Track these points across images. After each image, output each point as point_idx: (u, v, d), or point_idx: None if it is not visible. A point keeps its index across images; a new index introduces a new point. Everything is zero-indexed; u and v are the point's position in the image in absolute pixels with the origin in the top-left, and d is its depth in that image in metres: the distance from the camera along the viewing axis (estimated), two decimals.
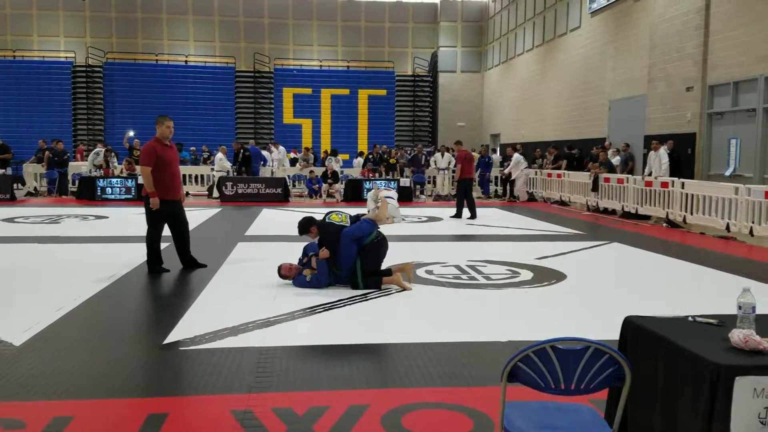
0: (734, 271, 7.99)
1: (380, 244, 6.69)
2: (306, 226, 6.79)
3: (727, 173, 13.39)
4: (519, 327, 5.36)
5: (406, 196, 18.99)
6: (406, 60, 31.49)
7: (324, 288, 6.56)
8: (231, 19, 30.21)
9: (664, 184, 13.40)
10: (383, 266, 6.86)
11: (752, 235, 10.80)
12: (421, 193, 20.24)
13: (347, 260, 6.54)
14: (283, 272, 6.86)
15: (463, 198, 13.98)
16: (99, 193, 18.07)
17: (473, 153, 22.79)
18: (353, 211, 7.69)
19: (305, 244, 7.06)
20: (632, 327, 2.85)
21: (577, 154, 18.60)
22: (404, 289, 6.57)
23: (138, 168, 7.57)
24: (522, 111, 25.76)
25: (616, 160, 16.81)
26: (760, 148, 12.60)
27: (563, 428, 2.46)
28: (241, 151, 19.64)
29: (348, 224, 6.68)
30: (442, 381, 4.10)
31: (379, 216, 6.90)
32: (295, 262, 6.99)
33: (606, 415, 2.85)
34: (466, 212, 13.88)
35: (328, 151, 23.79)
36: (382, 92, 30.07)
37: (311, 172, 19.72)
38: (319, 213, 14.55)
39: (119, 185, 18.37)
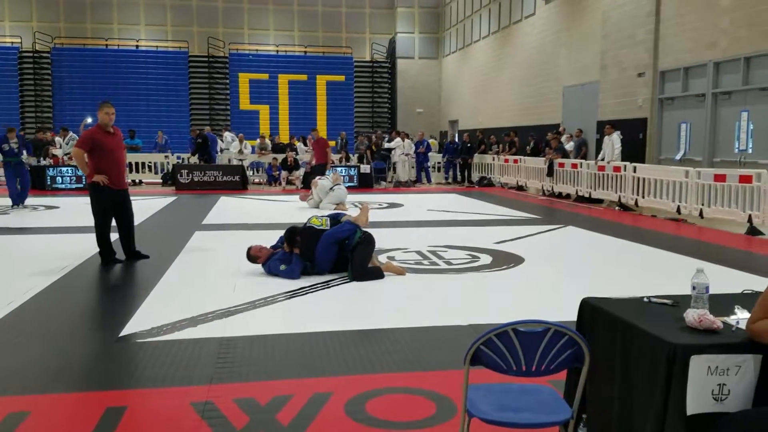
0: (685, 252, 8.23)
1: (368, 242, 6.74)
2: (292, 236, 6.74)
3: (678, 157, 13.74)
4: (480, 311, 5.42)
5: (366, 183, 19.01)
6: (364, 46, 31.29)
7: (294, 279, 6.51)
8: (183, 3, 29.51)
9: (617, 169, 13.69)
10: None
11: (702, 217, 11.13)
12: (382, 179, 20.25)
13: (326, 260, 6.62)
14: (253, 252, 6.85)
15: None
16: (49, 183, 17.55)
17: (432, 140, 23.00)
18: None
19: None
20: (589, 308, 2.90)
21: (532, 144, 18.78)
22: (400, 274, 6.70)
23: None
24: (479, 97, 25.92)
25: (569, 146, 17.08)
26: (709, 133, 12.94)
27: (525, 409, 2.50)
28: (197, 138, 19.33)
29: (328, 227, 6.76)
30: (404, 366, 4.12)
31: (360, 219, 7.02)
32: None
33: (565, 395, 2.91)
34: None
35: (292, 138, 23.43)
36: (341, 78, 29.83)
37: (274, 159, 19.54)
38: (281, 202, 14.54)
39: (69, 174, 17.86)
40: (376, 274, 6.59)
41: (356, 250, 6.58)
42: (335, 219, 6.96)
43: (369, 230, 6.97)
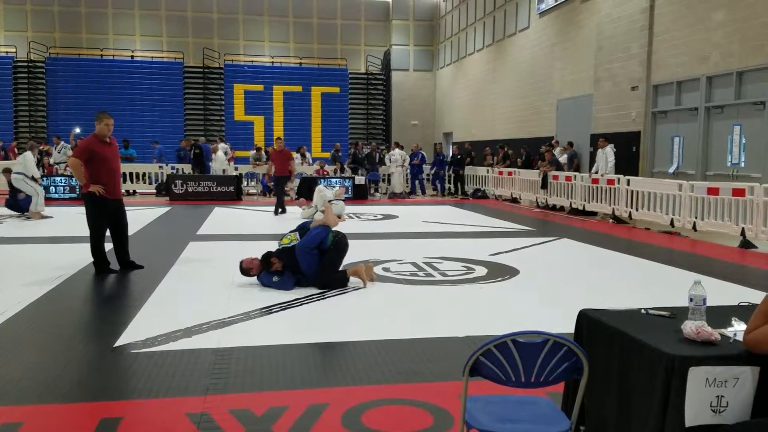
0: (680, 265, 8.26)
1: (342, 243, 6.70)
2: (267, 259, 6.67)
3: (671, 170, 13.82)
4: (476, 322, 5.42)
5: (360, 194, 19.03)
6: (359, 58, 31.42)
7: (288, 291, 6.48)
8: (179, 14, 29.58)
9: (611, 182, 13.75)
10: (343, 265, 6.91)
11: (695, 230, 11.18)
12: (376, 191, 20.25)
13: (313, 269, 6.56)
14: (245, 265, 6.77)
15: (281, 193, 14.61)
16: None
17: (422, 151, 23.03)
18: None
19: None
20: (587, 320, 2.91)
21: (524, 157, 18.88)
22: (365, 284, 6.63)
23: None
24: (473, 110, 26.04)
25: (563, 158, 17.16)
26: (702, 146, 13.04)
27: (523, 421, 2.50)
28: (193, 148, 19.33)
29: (298, 240, 6.70)
30: (401, 378, 4.11)
31: (327, 221, 6.96)
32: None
33: (563, 407, 2.91)
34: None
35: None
36: (336, 89, 29.91)
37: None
38: (268, 209, 14.53)
39: (63, 184, 17.80)
40: (341, 282, 6.56)
41: (325, 257, 6.55)
42: (304, 229, 6.88)
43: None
